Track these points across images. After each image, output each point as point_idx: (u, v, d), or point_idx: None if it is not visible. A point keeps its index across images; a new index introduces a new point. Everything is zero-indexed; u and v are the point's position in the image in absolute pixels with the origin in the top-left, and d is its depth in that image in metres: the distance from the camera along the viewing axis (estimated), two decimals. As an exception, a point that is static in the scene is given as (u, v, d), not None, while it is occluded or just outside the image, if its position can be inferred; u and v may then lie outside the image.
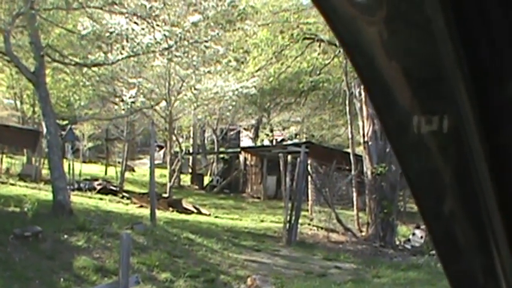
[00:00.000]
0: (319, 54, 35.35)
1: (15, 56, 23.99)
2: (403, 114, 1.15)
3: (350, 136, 30.74)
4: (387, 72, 1.15)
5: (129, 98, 32.63)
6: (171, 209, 30.24)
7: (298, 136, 51.65)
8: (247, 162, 45.39)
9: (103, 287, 14.66)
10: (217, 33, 29.09)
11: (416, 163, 1.23)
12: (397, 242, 25.40)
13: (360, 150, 29.85)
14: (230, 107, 40.02)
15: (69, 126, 35.38)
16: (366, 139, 26.01)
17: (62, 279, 15.62)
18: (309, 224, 27.72)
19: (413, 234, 26.03)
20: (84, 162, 48.40)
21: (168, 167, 38.32)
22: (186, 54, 30.22)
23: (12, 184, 30.85)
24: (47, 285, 15.17)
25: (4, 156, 40.51)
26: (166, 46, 26.22)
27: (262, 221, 29.95)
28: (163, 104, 36.06)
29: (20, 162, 40.82)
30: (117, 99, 35.86)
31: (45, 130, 22.80)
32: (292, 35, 32.83)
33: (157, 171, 31.13)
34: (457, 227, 1.26)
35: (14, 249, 17.17)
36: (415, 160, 1.23)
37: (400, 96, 1.15)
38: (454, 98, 1.10)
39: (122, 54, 26.33)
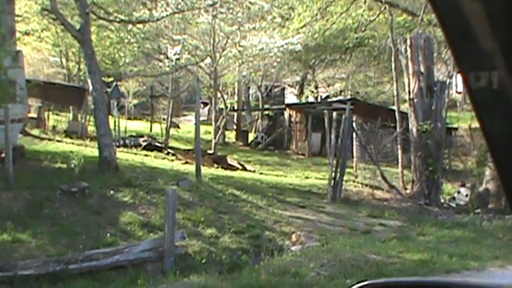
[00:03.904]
0: (364, 10, 35.00)
1: (60, 14, 24.13)
2: (485, 61, 1.11)
3: (395, 93, 30.51)
4: (469, 13, 1.10)
5: (174, 54, 32.75)
6: (216, 165, 30.36)
7: (342, 93, 51.36)
8: (292, 119, 45.30)
9: (149, 242, 14.82)
10: (262, -11, 28.94)
11: (498, 118, 1.18)
12: (442, 200, 25.24)
13: (405, 107, 29.61)
14: (275, 64, 39.92)
15: (114, 83, 35.61)
16: (411, 96, 25.74)
17: (108, 234, 15.82)
18: (354, 181, 27.64)
19: (459, 192, 25.87)
20: (129, 119, 48.75)
21: (213, 123, 38.39)
22: (230, 11, 30.21)
23: (58, 141, 31.21)
24: (93, 240, 15.37)
25: (51, 113, 40.96)
26: (211, 2, 26.19)
27: (306, 177, 29.95)
28: (208, 60, 36.04)
29: (66, 119, 41.24)
30: (161, 56, 36.01)
31: (90, 87, 22.98)
32: (337, -9, 32.52)
33: (202, 128, 31.19)
34: None
35: (62, 204, 17.42)
36: (496, 115, 1.18)
37: (483, 41, 1.10)
38: None
39: (166, 11, 26.38)
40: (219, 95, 41.18)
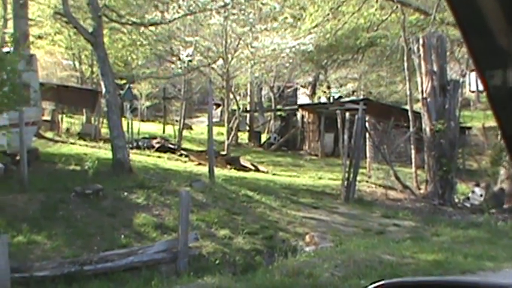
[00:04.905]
0: (376, 10, 34.94)
1: (73, 17, 24.21)
2: (502, 59, 1.10)
3: (408, 93, 30.45)
4: (486, 11, 1.09)
5: (186, 56, 32.83)
6: (229, 166, 30.36)
7: (355, 93, 51.30)
8: (305, 120, 45.24)
9: (163, 243, 14.85)
10: (274, -10, 28.98)
11: None
12: (456, 200, 25.14)
13: (418, 107, 29.55)
14: (287, 64, 39.94)
15: (127, 86, 35.72)
16: (424, 95, 25.68)
17: (122, 236, 15.86)
18: (367, 182, 27.57)
19: (473, 192, 25.76)
20: (142, 120, 48.93)
21: (226, 124, 38.41)
22: (242, 12, 30.22)
23: (72, 143, 31.26)
24: (108, 241, 15.42)
25: (64, 116, 41.09)
26: (223, 4, 26.21)
27: (320, 178, 29.88)
28: (220, 62, 36.08)
29: (80, 122, 41.34)
30: (174, 58, 36.10)
31: (103, 90, 23.03)
32: (349, -10, 32.52)
33: (215, 129, 31.18)
34: None
35: (76, 206, 17.47)
36: None
37: (500, 38, 1.09)
38: None
39: (178, 13, 26.43)
40: (231, 96, 41.21)
